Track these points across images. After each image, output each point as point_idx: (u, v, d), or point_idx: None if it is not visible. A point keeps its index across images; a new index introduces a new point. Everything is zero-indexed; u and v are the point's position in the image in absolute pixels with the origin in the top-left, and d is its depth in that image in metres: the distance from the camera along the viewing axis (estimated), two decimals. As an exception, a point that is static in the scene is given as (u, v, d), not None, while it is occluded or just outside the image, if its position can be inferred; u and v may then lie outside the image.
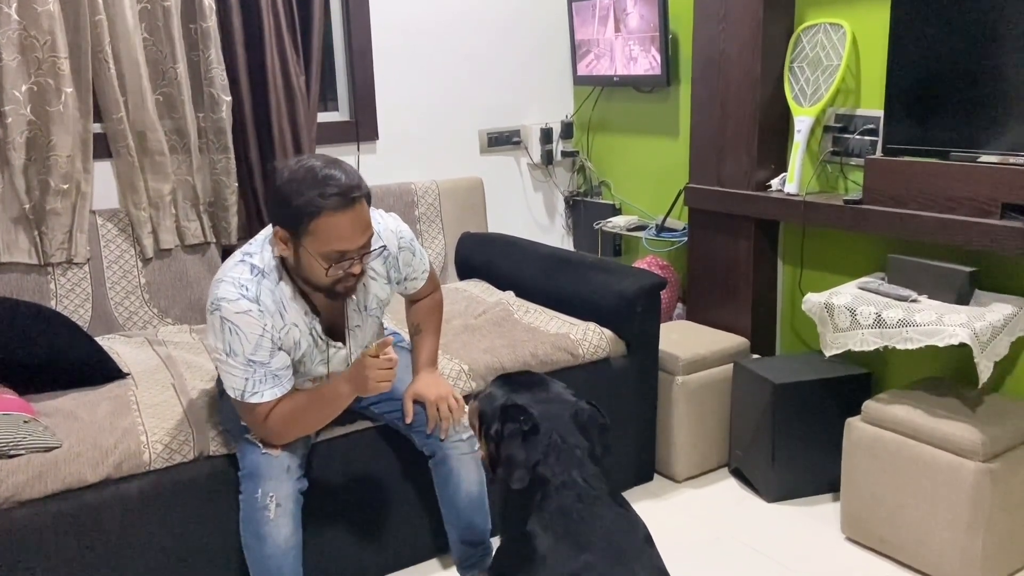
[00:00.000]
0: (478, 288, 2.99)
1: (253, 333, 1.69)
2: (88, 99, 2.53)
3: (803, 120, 2.59)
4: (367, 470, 2.11)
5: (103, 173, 2.66)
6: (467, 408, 1.73)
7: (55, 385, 2.10)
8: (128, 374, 2.20)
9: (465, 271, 3.21)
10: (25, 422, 1.82)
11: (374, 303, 1.92)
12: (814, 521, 2.41)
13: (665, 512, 2.50)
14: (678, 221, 3.16)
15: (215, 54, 2.70)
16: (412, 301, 2.10)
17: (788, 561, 2.23)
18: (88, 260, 2.56)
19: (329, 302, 1.81)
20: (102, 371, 2.14)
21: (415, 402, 1.97)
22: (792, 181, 2.61)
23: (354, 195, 1.64)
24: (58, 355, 2.08)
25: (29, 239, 2.49)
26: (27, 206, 2.47)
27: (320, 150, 2.97)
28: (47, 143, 2.47)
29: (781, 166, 2.74)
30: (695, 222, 2.96)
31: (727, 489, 2.62)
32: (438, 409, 1.94)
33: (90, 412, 1.96)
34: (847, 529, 2.31)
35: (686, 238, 3.03)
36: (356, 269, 1.71)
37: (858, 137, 2.54)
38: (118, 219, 2.64)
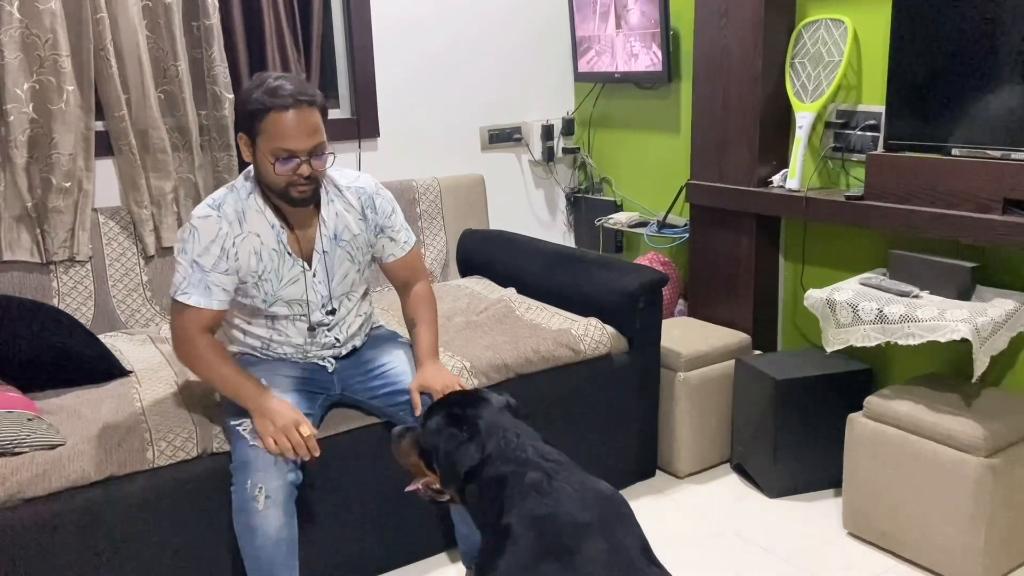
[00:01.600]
0: (480, 285, 2.99)
1: (207, 236, 1.84)
2: (90, 97, 2.53)
3: (804, 116, 2.59)
4: (374, 465, 2.11)
5: (105, 171, 2.67)
6: (401, 453, 1.76)
7: (58, 383, 2.10)
8: (131, 372, 2.20)
9: (467, 268, 3.22)
10: (29, 420, 1.83)
11: (347, 235, 1.99)
12: (816, 516, 2.41)
13: (667, 508, 2.51)
14: (679, 217, 3.16)
15: (217, 52, 2.70)
16: (401, 290, 2.15)
17: (790, 556, 2.23)
18: (90, 258, 2.56)
19: (299, 217, 1.91)
20: (105, 369, 2.15)
21: (422, 393, 1.98)
22: (793, 177, 2.61)
23: (301, 98, 1.78)
24: (61, 353, 2.08)
25: (31, 237, 2.49)
26: (29, 204, 2.47)
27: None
28: (49, 141, 2.47)
29: (782, 162, 2.74)
30: (696, 218, 2.96)
31: (729, 485, 2.62)
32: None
33: (93, 410, 1.97)
34: (849, 524, 2.32)
35: (687, 234, 3.03)
36: (305, 171, 1.81)
37: (859, 133, 2.54)
38: (120, 217, 2.64)
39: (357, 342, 2.12)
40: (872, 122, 2.50)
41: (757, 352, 2.79)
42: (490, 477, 1.49)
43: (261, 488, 1.77)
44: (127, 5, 2.53)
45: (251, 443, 1.81)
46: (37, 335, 2.07)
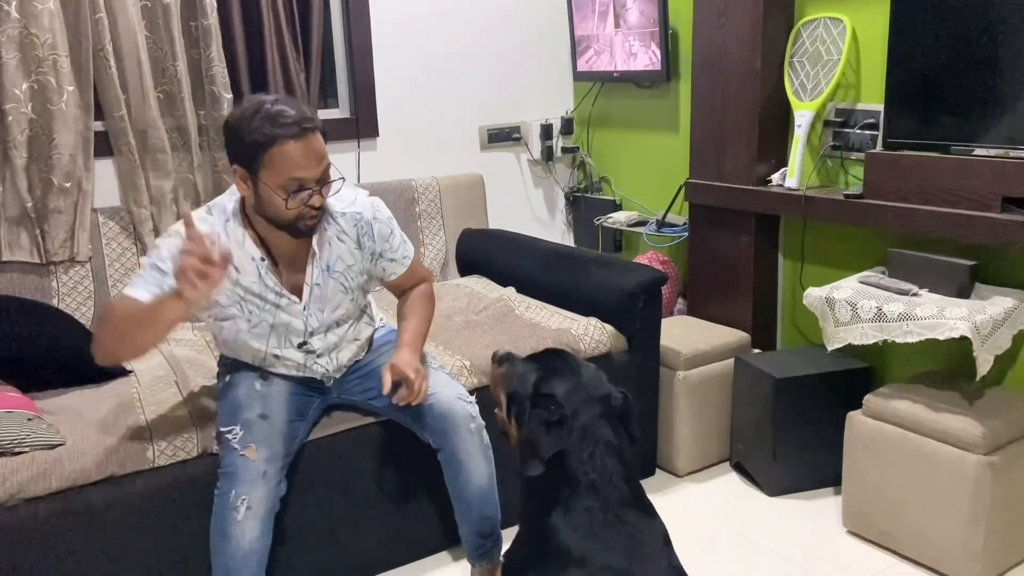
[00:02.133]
0: (479, 284, 2.99)
1: (175, 245, 1.66)
2: (89, 97, 2.53)
3: (803, 115, 2.59)
4: (374, 465, 2.12)
5: (104, 171, 2.67)
6: (492, 376, 1.67)
7: (58, 383, 2.11)
8: (131, 372, 2.21)
9: (466, 267, 3.22)
10: (29, 419, 1.83)
11: (339, 266, 1.89)
12: (815, 515, 2.42)
13: (667, 506, 2.50)
14: (678, 216, 3.16)
15: (216, 51, 2.70)
16: (400, 294, 2.09)
17: (789, 555, 2.24)
18: (90, 258, 2.56)
19: (287, 255, 1.82)
20: (105, 369, 2.14)
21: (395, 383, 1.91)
22: (792, 175, 2.61)
23: (306, 125, 1.67)
24: (62, 353, 2.09)
25: (31, 238, 2.49)
26: (29, 204, 2.47)
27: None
28: (49, 141, 2.47)
29: (781, 161, 2.74)
30: (695, 217, 2.96)
31: (729, 483, 2.63)
32: (414, 384, 1.88)
33: (94, 410, 1.97)
34: (848, 522, 2.32)
35: (687, 233, 3.03)
36: (316, 201, 1.73)
37: (858, 131, 2.54)
38: (120, 217, 2.64)
39: (356, 358, 2.08)
40: (871, 120, 2.50)
41: (756, 351, 2.79)
42: (555, 476, 1.43)
43: (244, 499, 1.77)
44: (126, 5, 2.53)
45: (240, 453, 1.81)
46: (37, 335, 2.07)
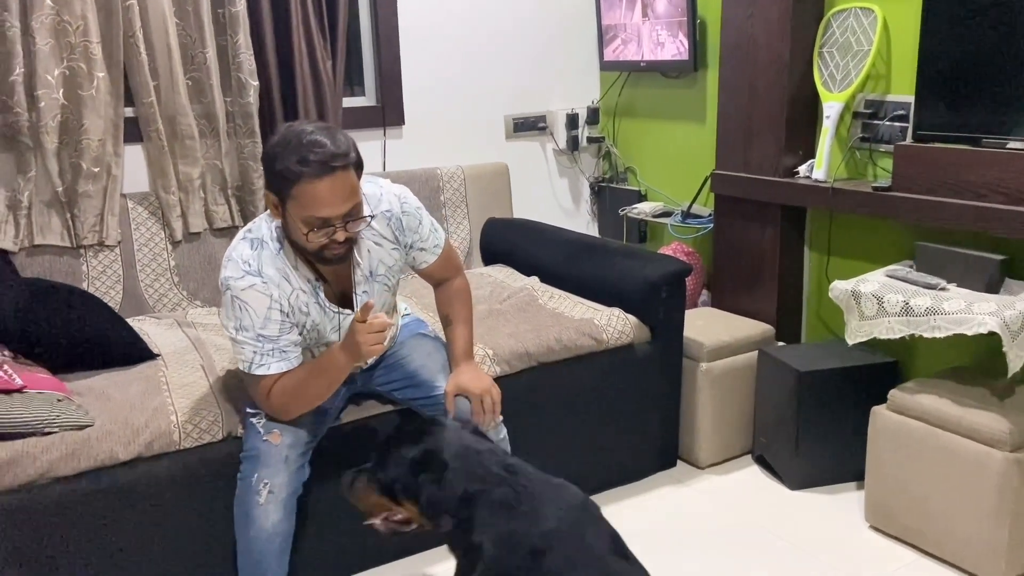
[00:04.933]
0: (503, 273, 3.00)
1: (261, 307, 1.73)
2: (120, 83, 2.56)
3: (832, 106, 2.56)
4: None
5: (133, 157, 2.70)
6: (358, 496, 1.68)
7: (87, 365, 2.14)
8: (158, 355, 2.24)
9: (490, 257, 3.22)
10: (59, 400, 1.87)
11: (381, 269, 1.90)
12: (837, 509, 2.40)
13: (688, 498, 2.51)
14: (704, 208, 3.14)
15: (243, 39, 2.72)
16: (436, 286, 2.09)
17: (811, 548, 2.23)
18: (119, 243, 2.60)
19: (333, 272, 1.83)
20: (133, 352, 2.18)
21: (457, 395, 1.95)
22: (820, 167, 2.58)
23: (335, 164, 1.63)
24: (91, 336, 2.12)
25: (62, 222, 2.53)
26: (60, 189, 2.51)
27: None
28: (79, 127, 2.51)
29: (809, 152, 2.71)
30: (721, 209, 2.94)
31: (750, 476, 2.62)
32: (482, 403, 1.92)
33: (122, 392, 2.00)
34: (871, 518, 2.30)
35: (712, 225, 3.01)
36: (340, 237, 1.69)
37: (888, 123, 2.50)
38: (148, 202, 2.68)
39: (386, 350, 2.08)
40: (901, 112, 2.46)
41: (780, 343, 2.77)
42: (459, 499, 1.48)
43: (266, 484, 1.79)
44: (156, -8, 2.56)
45: (264, 438, 1.83)
46: (68, 318, 2.11)
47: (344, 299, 1.88)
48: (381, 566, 2.20)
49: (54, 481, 1.77)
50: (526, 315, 2.54)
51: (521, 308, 2.61)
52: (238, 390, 2.02)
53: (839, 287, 2.30)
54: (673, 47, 3.13)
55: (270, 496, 1.79)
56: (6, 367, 1.91)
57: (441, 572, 2.17)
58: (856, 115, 2.60)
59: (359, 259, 1.85)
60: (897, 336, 2.15)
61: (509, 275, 2.97)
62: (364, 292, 1.88)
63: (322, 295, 1.82)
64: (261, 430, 1.84)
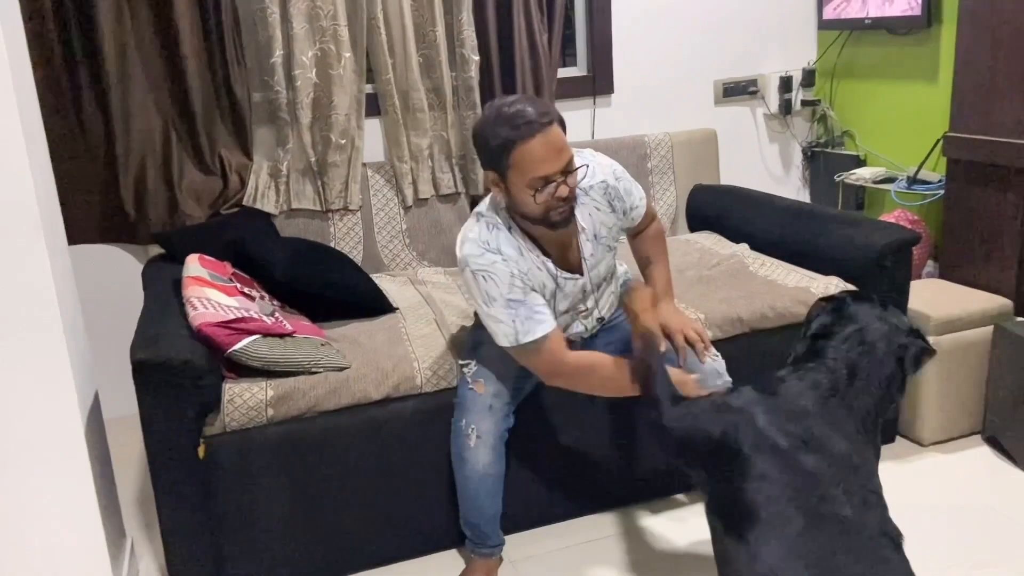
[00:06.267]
0: (710, 240, 2.99)
1: (504, 276, 1.80)
2: (362, 62, 2.82)
3: (1095, 59, 2.32)
4: (605, 409, 2.22)
5: (371, 129, 2.96)
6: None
7: (340, 315, 2.40)
8: (397, 308, 2.47)
9: (696, 224, 3.23)
10: (322, 344, 2.12)
11: (603, 231, 1.96)
12: (1083, 497, 2.23)
13: (910, 475, 2.42)
14: (932, 173, 2.96)
15: (466, 16, 2.88)
16: (634, 236, 2.14)
17: (1051, 536, 2.09)
18: (360, 207, 2.88)
19: (558, 238, 1.88)
20: (378, 305, 2.42)
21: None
22: (1076, 128, 2.36)
23: (543, 120, 1.70)
24: (345, 290, 2.38)
25: (314, 188, 2.84)
26: (312, 159, 2.81)
27: (558, 104, 3.06)
28: (329, 103, 2.79)
29: (1063, 111, 2.48)
30: (954, 174, 2.76)
31: (980, 456, 2.48)
32: (685, 338, 1.95)
33: (370, 339, 2.24)
34: (1125, 509, 2.12)
35: (942, 191, 2.83)
36: (563, 192, 1.76)
37: None
38: (384, 171, 2.93)
39: (613, 308, 2.15)
40: None
41: (1020, 319, 2.58)
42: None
43: (473, 428, 1.95)
44: (395, -24, 2.77)
45: (470, 386, 1.98)
46: (324, 272, 2.38)
47: (567, 266, 1.96)
48: (589, 515, 2.30)
49: (319, 415, 2.03)
50: (737, 281, 2.54)
51: (732, 275, 2.60)
52: (466, 342, 2.19)
53: (1097, 258, 2.11)
54: (904, 2, 2.96)
55: (478, 441, 1.95)
56: (277, 314, 2.20)
57: (651, 525, 2.25)
58: (1124, 68, 2.35)
59: (582, 224, 1.93)
60: None
61: (717, 242, 2.96)
62: (591, 255, 1.97)
63: (553, 266, 1.91)
64: (469, 380, 2.00)
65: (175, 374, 1.82)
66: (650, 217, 2.13)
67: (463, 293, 1.91)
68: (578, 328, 2.07)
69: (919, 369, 1.49)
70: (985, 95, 2.60)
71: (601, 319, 2.11)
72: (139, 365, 1.81)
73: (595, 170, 1.94)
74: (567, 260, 1.94)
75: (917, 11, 2.90)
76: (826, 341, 1.51)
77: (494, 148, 1.73)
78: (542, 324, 1.82)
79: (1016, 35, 2.47)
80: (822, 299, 1.65)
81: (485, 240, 1.83)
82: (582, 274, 1.97)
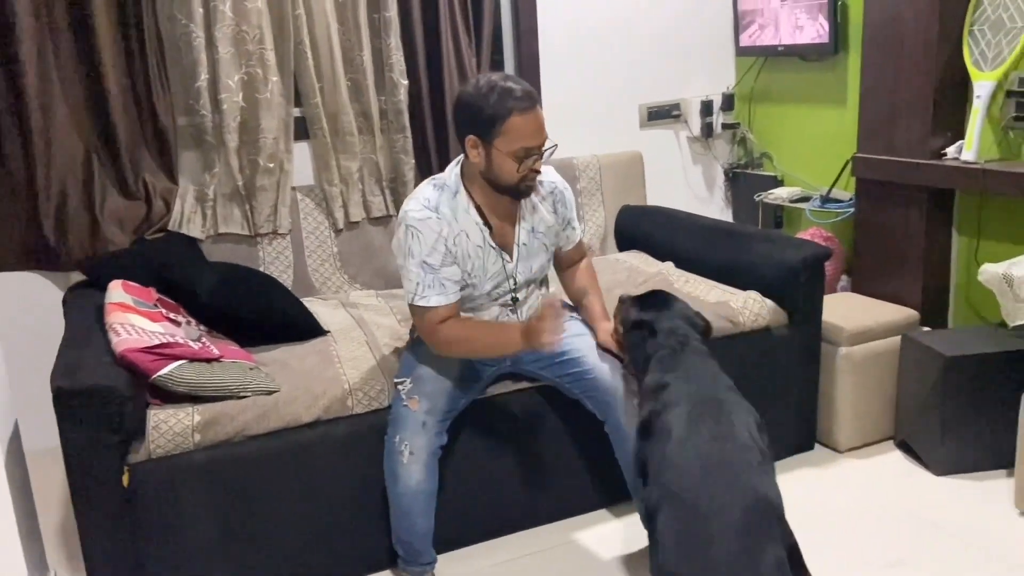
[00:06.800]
0: (638, 259, 3.08)
1: (430, 236, 1.93)
2: (290, 86, 2.83)
3: (983, 85, 2.49)
4: (535, 425, 2.27)
5: (301, 153, 2.97)
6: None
7: (269, 339, 2.38)
8: (328, 332, 2.47)
9: (625, 243, 3.31)
10: (250, 369, 2.11)
11: (542, 227, 2.11)
12: (986, 495, 2.36)
13: (827, 481, 2.52)
14: (844, 192, 3.11)
15: (395, 41, 2.93)
16: (566, 268, 2.27)
17: (960, 533, 2.20)
18: (290, 231, 2.87)
19: (503, 211, 2.03)
20: (308, 328, 2.42)
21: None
22: (970, 148, 2.52)
23: (533, 99, 1.89)
24: (273, 313, 2.37)
25: (241, 213, 2.82)
26: (239, 183, 2.80)
27: (488, 127, 3.11)
28: (256, 126, 2.79)
29: (957, 133, 2.65)
30: (863, 192, 2.91)
31: (893, 461, 2.60)
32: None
33: (300, 362, 2.23)
34: (1022, 504, 2.25)
35: (852, 209, 2.98)
36: (538, 165, 1.95)
37: (1046, 101, 2.42)
38: (314, 194, 2.94)
39: None
40: (1060, 89, 2.37)
41: (926, 329, 2.72)
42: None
43: (406, 444, 1.98)
44: (322, 0, 2.79)
45: (404, 403, 2.02)
46: (252, 296, 2.37)
47: (505, 248, 2.07)
48: (518, 532, 2.33)
49: (248, 438, 2.02)
50: (663, 298, 2.61)
51: (658, 292, 2.68)
52: (397, 363, 2.22)
53: (989, 270, 2.25)
54: (812, 30, 3.11)
55: (411, 457, 1.98)
56: (204, 339, 2.18)
57: (580, 538, 2.29)
58: (1009, 94, 2.52)
59: (524, 213, 2.06)
60: (1053, 320, 2.10)
61: (644, 260, 3.05)
62: (524, 244, 2.08)
63: (487, 236, 2.02)
64: (403, 396, 2.04)
65: (96, 402, 1.80)
66: (582, 252, 2.28)
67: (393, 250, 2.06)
68: (499, 317, 2.14)
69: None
70: (888, 118, 2.75)
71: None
72: (59, 393, 1.78)
73: (548, 172, 2.12)
74: (502, 239, 2.06)
75: (825, 39, 3.06)
76: (659, 322, 1.96)
77: (487, 116, 1.86)
78: (440, 296, 1.96)
79: (915, 62, 2.64)
80: (626, 297, 2.10)
81: (427, 198, 1.97)
82: (511, 257, 2.06)
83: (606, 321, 2.18)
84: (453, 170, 2.03)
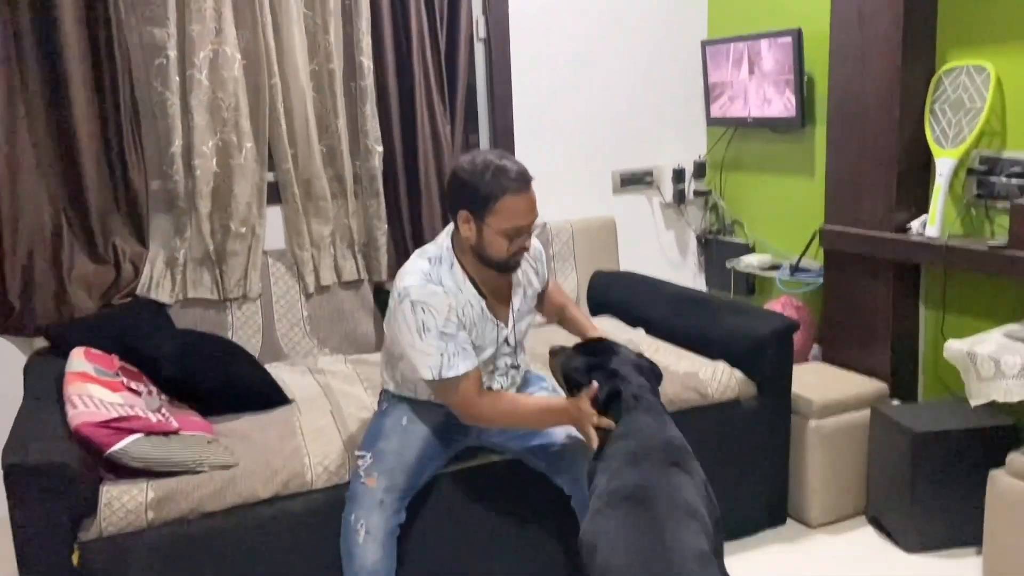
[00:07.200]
0: (609, 325, 3.07)
1: (442, 308, 1.92)
2: (264, 152, 2.84)
3: (945, 162, 2.54)
4: (500, 500, 2.23)
5: (272, 217, 2.97)
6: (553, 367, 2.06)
7: (230, 408, 2.35)
8: (293, 400, 2.44)
9: (597, 308, 3.31)
10: (208, 442, 2.08)
11: (530, 290, 2.16)
12: (956, 574, 2.33)
13: (799, 557, 2.49)
14: (814, 261, 3.14)
15: (371, 108, 2.96)
16: (540, 298, 2.30)
17: (926, 615, 2.18)
18: (260, 296, 2.86)
19: (496, 284, 2.04)
20: (271, 397, 2.39)
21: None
22: (933, 224, 2.56)
23: (527, 179, 1.93)
24: (236, 382, 2.35)
25: (212, 277, 2.81)
26: (211, 248, 2.79)
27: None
28: (229, 192, 2.79)
29: (921, 208, 2.69)
30: (831, 263, 2.94)
31: (864, 537, 2.57)
32: None
33: (261, 434, 2.20)
34: (991, 586, 2.23)
35: (821, 279, 3.01)
36: (528, 243, 1.99)
37: (1004, 180, 2.46)
38: (285, 259, 2.93)
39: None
40: (1018, 169, 2.42)
41: (895, 401, 2.72)
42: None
43: (362, 524, 1.95)
44: (298, 71, 2.83)
45: (362, 480, 1.99)
46: (216, 366, 2.34)
47: (500, 315, 2.08)
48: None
49: (203, 515, 1.97)
50: (633, 368, 2.61)
51: (628, 361, 2.68)
52: (362, 435, 2.18)
53: (953, 347, 2.27)
54: (780, 104, 3.18)
55: (367, 536, 1.94)
56: (163, 410, 2.15)
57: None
58: (971, 171, 2.57)
59: (520, 280, 2.11)
60: (1016, 399, 2.11)
61: (616, 327, 3.05)
62: (519, 309, 2.12)
63: (486, 308, 2.03)
64: (361, 473, 2.00)
65: (47, 479, 1.76)
66: (554, 283, 2.35)
67: (388, 328, 2.01)
68: (497, 385, 2.13)
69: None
70: (853, 191, 2.80)
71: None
72: (9, 470, 1.74)
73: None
74: (497, 308, 2.06)
75: (793, 112, 3.13)
76: (608, 366, 1.93)
77: (483, 193, 1.89)
78: (466, 361, 1.94)
79: (877, 138, 2.69)
80: (574, 347, 2.07)
81: (427, 273, 1.96)
82: (507, 324, 2.07)
83: (593, 329, 2.22)
84: (444, 243, 2.03)
